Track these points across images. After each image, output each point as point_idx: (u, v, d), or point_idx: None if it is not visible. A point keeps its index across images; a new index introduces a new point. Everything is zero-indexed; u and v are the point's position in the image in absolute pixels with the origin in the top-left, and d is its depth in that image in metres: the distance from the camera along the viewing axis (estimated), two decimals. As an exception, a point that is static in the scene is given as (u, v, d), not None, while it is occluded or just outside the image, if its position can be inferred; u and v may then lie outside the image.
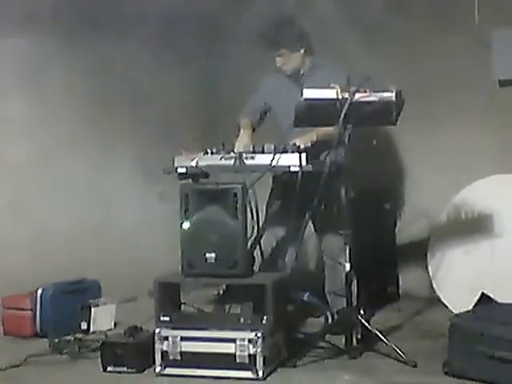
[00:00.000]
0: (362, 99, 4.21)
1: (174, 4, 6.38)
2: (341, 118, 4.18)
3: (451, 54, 5.84)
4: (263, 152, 4.45)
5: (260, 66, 5.30)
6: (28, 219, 6.02)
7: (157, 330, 4.17)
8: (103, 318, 5.14)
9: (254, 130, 5.05)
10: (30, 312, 5.03)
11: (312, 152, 4.49)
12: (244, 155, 4.45)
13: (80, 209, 6.30)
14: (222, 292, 4.86)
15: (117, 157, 6.55)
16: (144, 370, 4.22)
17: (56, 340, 4.65)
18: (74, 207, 6.28)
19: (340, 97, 4.20)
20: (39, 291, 5.07)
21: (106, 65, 6.41)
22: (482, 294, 4.71)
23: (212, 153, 4.52)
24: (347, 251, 4.43)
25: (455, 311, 4.94)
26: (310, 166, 4.37)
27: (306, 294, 4.65)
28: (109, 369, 4.23)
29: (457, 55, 5.82)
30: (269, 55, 4.99)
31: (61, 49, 6.22)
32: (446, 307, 5.40)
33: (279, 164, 4.39)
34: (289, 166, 4.37)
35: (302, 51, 4.97)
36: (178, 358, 4.13)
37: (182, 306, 4.48)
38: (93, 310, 5.10)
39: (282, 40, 4.93)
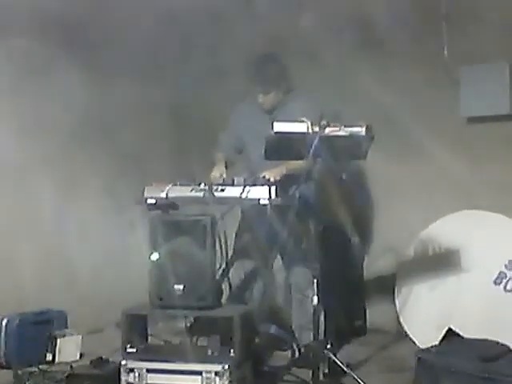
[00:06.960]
0: (332, 133, 4.24)
1: (149, 30, 6.37)
2: (310, 152, 4.21)
3: (421, 90, 5.89)
4: (233, 184, 4.46)
5: (234, 96, 5.33)
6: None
7: (123, 362, 4.15)
8: (69, 349, 5.09)
9: (227, 165, 5.04)
10: (-6, 342, 4.98)
11: (281, 185, 4.52)
12: (214, 187, 4.46)
13: (47, 238, 6.23)
14: (189, 324, 4.84)
15: (86, 185, 6.50)
16: (110, 401, 4.19)
17: (20, 371, 4.61)
18: (41, 236, 6.21)
19: (310, 131, 4.24)
20: (4, 321, 5.02)
21: (76, 91, 6.37)
22: (449, 329, 4.73)
23: (182, 184, 4.53)
24: (315, 285, 4.44)
25: (422, 346, 4.96)
26: (279, 199, 4.38)
27: (273, 327, 4.64)
28: (74, 400, 4.20)
29: (427, 91, 5.87)
30: (249, 88, 5.04)
31: (32, 74, 6.18)
32: (413, 342, 5.40)
33: (249, 196, 4.40)
34: (258, 199, 4.38)
35: (284, 89, 5.02)
36: (144, 390, 4.11)
37: (149, 337, 4.45)
38: (58, 340, 5.06)
39: (267, 79, 4.97)
